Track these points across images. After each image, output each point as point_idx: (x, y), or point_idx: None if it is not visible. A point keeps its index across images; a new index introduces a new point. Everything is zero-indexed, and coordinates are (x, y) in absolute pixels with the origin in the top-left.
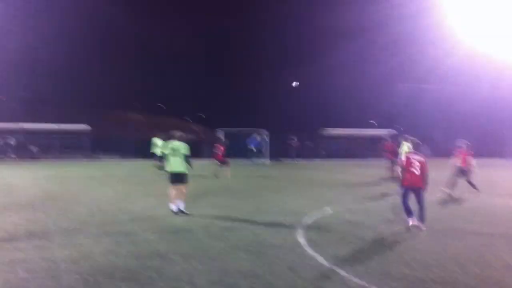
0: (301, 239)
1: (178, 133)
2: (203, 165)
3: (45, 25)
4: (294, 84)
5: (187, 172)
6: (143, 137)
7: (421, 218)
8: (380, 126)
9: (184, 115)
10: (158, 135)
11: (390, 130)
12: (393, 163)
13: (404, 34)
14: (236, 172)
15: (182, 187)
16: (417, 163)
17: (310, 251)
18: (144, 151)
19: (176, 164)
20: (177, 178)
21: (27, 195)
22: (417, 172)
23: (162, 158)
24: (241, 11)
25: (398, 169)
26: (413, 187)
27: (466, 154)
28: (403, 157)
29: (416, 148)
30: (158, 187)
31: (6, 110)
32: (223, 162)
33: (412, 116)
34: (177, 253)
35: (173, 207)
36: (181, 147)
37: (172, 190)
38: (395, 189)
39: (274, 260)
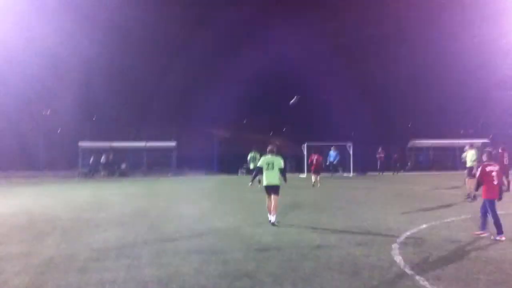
0: (397, 258)
1: (273, 147)
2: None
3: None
4: (293, 99)
5: (280, 184)
6: (227, 153)
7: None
8: (473, 137)
9: (266, 130)
10: (255, 149)
11: (482, 140)
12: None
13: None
14: (322, 185)
15: (275, 198)
16: (494, 173)
17: (408, 270)
18: (227, 167)
19: (272, 178)
20: (271, 190)
21: (116, 212)
22: (495, 182)
23: (251, 171)
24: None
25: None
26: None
27: None
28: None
29: (490, 158)
30: (244, 204)
31: (96, 129)
32: (316, 171)
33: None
34: (266, 273)
35: (271, 218)
36: (277, 161)
37: (269, 202)
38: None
39: (371, 281)
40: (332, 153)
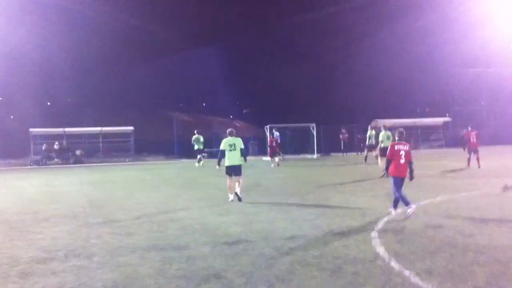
0: (379, 249)
1: (233, 130)
2: (250, 161)
3: (83, 27)
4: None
5: (242, 164)
6: (187, 137)
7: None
8: (434, 115)
9: (227, 113)
10: (199, 131)
11: (445, 118)
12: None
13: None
14: (287, 168)
15: (238, 179)
16: (402, 152)
17: (394, 264)
18: (188, 151)
19: (234, 158)
20: (234, 171)
21: (69, 203)
22: (402, 161)
23: (197, 151)
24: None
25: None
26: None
27: None
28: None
29: (401, 137)
30: (206, 190)
31: (50, 115)
32: (274, 154)
33: (468, 103)
34: (237, 272)
35: (231, 196)
36: (238, 142)
37: (230, 182)
38: (472, 182)
39: (355, 278)
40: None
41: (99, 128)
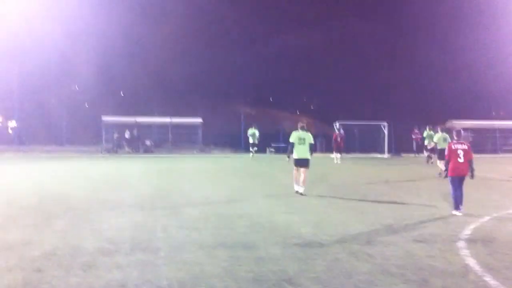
0: (470, 260)
1: (304, 124)
2: (318, 158)
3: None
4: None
5: (310, 158)
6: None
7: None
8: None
9: (294, 108)
10: (253, 125)
11: None
12: None
13: None
14: (357, 167)
15: (305, 171)
16: (460, 151)
17: (489, 279)
18: (259, 145)
19: (303, 152)
20: (303, 164)
21: (137, 193)
22: (461, 160)
23: (252, 145)
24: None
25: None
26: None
27: None
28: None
29: (459, 137)
30: (275, 185)
31: (121, 104)
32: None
33: None
34: (311, 278)
35: (296, 187)
36: (308, 137)
37: (297, 174)
38: None
39: None
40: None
41: (168, 119)
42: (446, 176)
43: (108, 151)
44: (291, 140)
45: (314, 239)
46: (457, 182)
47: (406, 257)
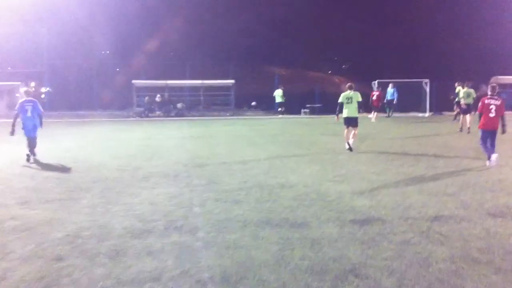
0: None
1: (351, 84)
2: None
3: None
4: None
5: (358, 116)
6: (287, 92)
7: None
8: None
9: (327, 68)
10: (280, 87)
11: None
12: None
13: None
14: (402, 127)
15: (355, 130)
16: (493, 106)
17: None
18: (288, 107)
19: (351, 111)
20: (352, 122)
21: (171, 161)
22: (492, 114)
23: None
24: None
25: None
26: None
27: None
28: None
29: (493, 92)
30: (317, 150)
31: (150, 67)
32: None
33: None
34: (381, 267)
35: (346, 145)
36: (355, 96)
37: (348, 132)
38: None
39: None
40: (390, 90)
41: (200, 81)
42: (468, 132)
43: (140, 115)
44: (340, 100)
45: (372, 215)
46: (487, 135)
47: (488, 237)
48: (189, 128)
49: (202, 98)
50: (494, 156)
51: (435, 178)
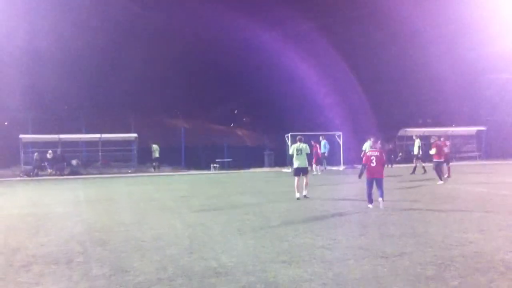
0: None
1: (301, 137)
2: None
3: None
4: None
5: (308, 167)
6: (193, 146)
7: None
8: (468, 124)
9: (229, 121)
10: (156, 142)
11: (479, 127)
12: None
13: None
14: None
15: (306, 178)
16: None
17: None
18: (196, 162)
19: (302, 161)
20: (302, 172)
21: (62, 237)
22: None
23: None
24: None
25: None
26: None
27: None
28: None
29: (373, 145)
30: (241, 213)
31: (43, 120)
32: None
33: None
34: None
35: (297, 195)
36: (305, 148)
37: (298, 182)
38: None
39: None
40: (322, 141)
41: (98, 135)
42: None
43: (28, 173)
44: (291, 152)
45: None
46: (371, 183)
47: None
48: (85, 189)
49: (100, 153)
50: (380, 200)
51: (402, 252)
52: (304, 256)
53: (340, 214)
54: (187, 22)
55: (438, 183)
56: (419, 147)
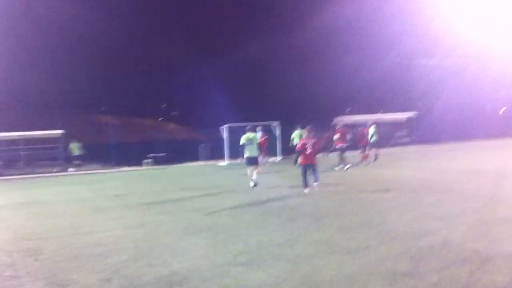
0: None
1: (251, 127)
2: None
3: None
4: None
5: (258, 155)
6: (123, 142)
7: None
8: (400, 110)
9: (156, 115)
10: (75, 140)
11: (410, 113)
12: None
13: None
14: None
15: (257, 167)
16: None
17: None
18: (127, 158)
19: (252, 151)
20: (253, 161)
21: None
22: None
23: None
24: None
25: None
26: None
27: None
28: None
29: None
30: (185, 211)
31: None
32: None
33: (434, 97)
34: None
35: (251, 184)
36: (255, 137)
37: (250, 172)
38: None
39: None
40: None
41: (18, 133)
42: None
43: None
44: (242, 142)
45: None
46: (306, 169)
47: None
48: (8, 192)
49: (22, 153)
50: (315, 184)
51: (364, 246)
52: (264, 256)
53: (291, 208)
54: (111, 18)
55: (336, 168)
56: (373, 133)
